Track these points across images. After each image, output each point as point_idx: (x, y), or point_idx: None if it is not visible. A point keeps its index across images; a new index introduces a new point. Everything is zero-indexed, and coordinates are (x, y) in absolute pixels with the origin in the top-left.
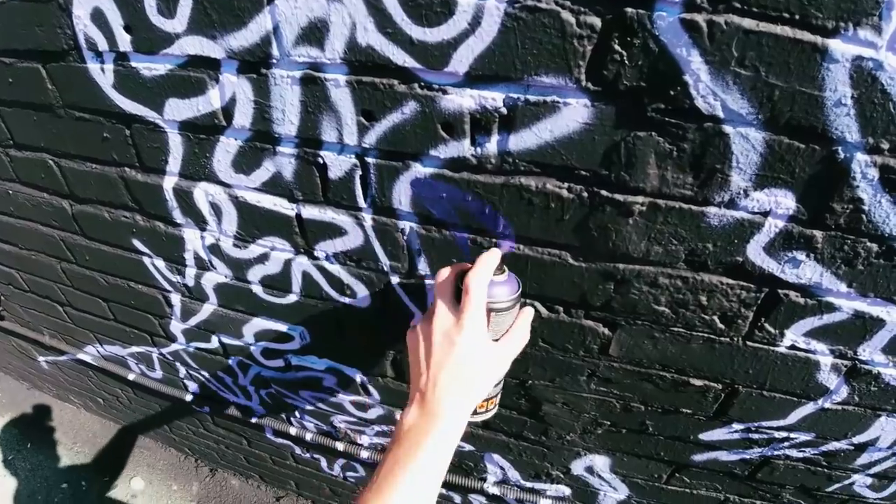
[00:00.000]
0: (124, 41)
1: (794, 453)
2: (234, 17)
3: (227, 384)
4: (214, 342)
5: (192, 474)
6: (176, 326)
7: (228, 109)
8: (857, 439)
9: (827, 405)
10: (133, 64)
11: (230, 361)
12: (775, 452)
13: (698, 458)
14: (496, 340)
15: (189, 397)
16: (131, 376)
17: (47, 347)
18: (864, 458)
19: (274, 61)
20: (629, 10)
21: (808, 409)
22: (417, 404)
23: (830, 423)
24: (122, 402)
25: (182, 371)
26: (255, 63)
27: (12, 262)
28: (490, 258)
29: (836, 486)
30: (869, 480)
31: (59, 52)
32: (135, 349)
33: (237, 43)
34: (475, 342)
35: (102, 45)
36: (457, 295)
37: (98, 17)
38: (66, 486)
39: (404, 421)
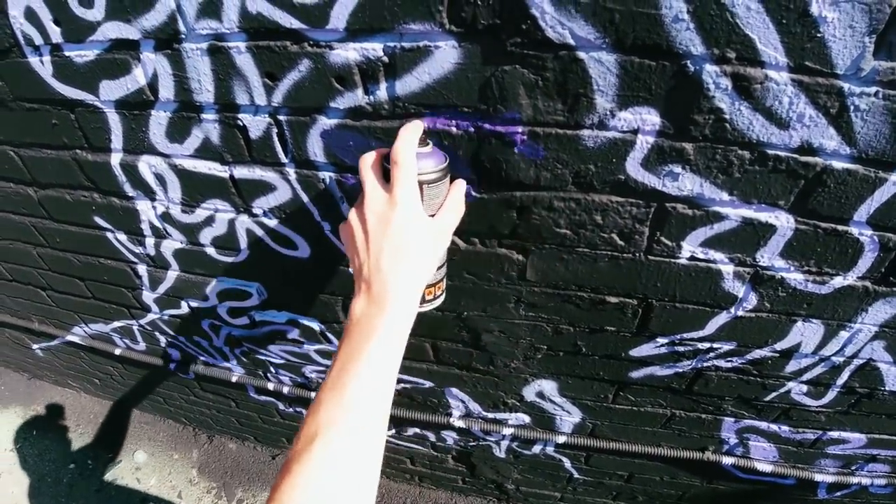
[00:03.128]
0: (55, 33)
1: (722, 363)
2: (143, 1)
3: (204, 348)
4: (185, 307)
5: (192, 442)
6: (148, 296)
7: (153, 85)
8: (780, 346)
9: (740, 313)
10: (66, 53)
11: (203, 325)
12: (704, 364)
13: (635, 374)
14: (432, 216)
15: (173, 365)
16: (118, 351)
17: (38, 334)
18: (792, 366)
19: (183, 36)
20: None
21: (723, 318)
22: (364, 294)
23: (748, 331)
24: (116, 379)
25: (162, 340)
26: (167, 40)
27: None
28: (412, 129)
29: (774, 394)
30: (805, 388)
31: (2, 50)
32: (116, 324)
33: (149, 23)
34: (411, 217)
35: (38, 39)
36: (384, 175)
37: (31, 15)
38: (73, 466)
39: (353, 312)
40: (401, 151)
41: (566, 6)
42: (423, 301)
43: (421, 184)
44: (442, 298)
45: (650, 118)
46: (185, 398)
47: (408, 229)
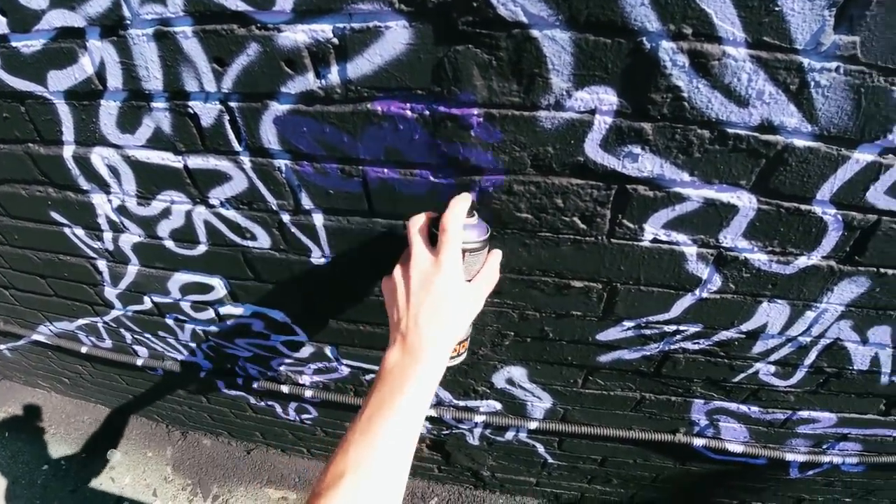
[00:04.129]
0: (1, 24)
1: (689, 346)
2: None
3: (170, 343)
4: (147, 303)
5: (165, 439)
6: (110, 292)
7: (101, 74)
8: (746, 327)
9: (705, 295)
10: (13, 44)
11: (167, 320)
12: (671, 346)
13: (603, 358)
14: (469, 281)
15: (140, 362)
16: (84, 349)
17: (4, 334)
18: (759, 347)
19: (128, 22)
20: None
21: (688, 300)
22: (399, 345)
23: (714, 313)
24: (86, 378)
25: (128, 337)
26: (112, 26)
27: None
28: (462, 201)
29: (742, 375)
30: (772, 368)
31: None
32: (81, 322)
33: (93, 10)
34: (453, 282)
35: None
36: (431, 239)
37: None
38: (46, 467)
39: (387, 362)
40: (450, 221)
41: None
42: (450, 357)
43: (465, 251)
44: (465, 355)
45: (607, 98)
46: (155, 395)
47: (448, 293)
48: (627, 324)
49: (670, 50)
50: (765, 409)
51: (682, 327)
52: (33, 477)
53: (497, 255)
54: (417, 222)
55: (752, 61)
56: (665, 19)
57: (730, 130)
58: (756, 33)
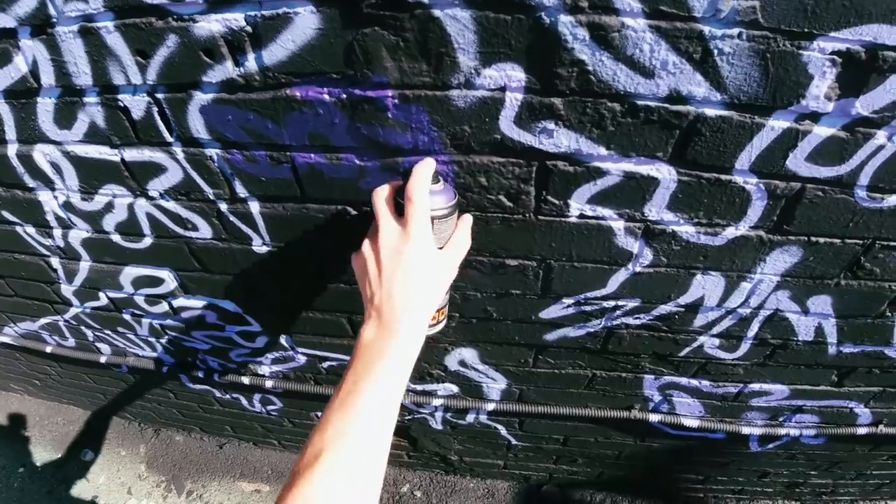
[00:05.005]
0: None
1: (630, 321)
2: None
3: (130, 339)
4: (103, 299)
5: (138, 437)
6: (66, 289)
7: (35, 72)
8: (683, 300)
9: (638, 269)
10: None
11: (125, 315)
12: (613, 322)
13: (550, 337)
14: (440, 248)
15: (103, 359)
16: (48, 349)
17: None
18: (700, 320)
19: (54, 20)
20: None
21: (623, 275)
22: (374, 320)
23: (650, 287)
24: (55, 379)
25: (89, 334)
26: (40, 25)
27: None
28: (425, 167)
29: (687, 349)
30: (717, 341)
31: None
32: (43, 321)
33: (22, 10)
34: (423, 251)
35: None
36: (398, 209)
37: None
38: (22, 469)
39: (362, 337)
40: (415, 189)
41: None
42: (428, 327)
43: (433, 219)
44: (444, 323)
45: (515, 74)
46: (123, 393)
47: (419, 262)
48: (567, 301)
49: (569, 24)
50: (715, 383)
51: (620, 302)
52: (10, 480)
53: (467, 220)
54: (382, 193)
55: (652, 31)
56: None
57: (639, 102)
58: (653, 3)
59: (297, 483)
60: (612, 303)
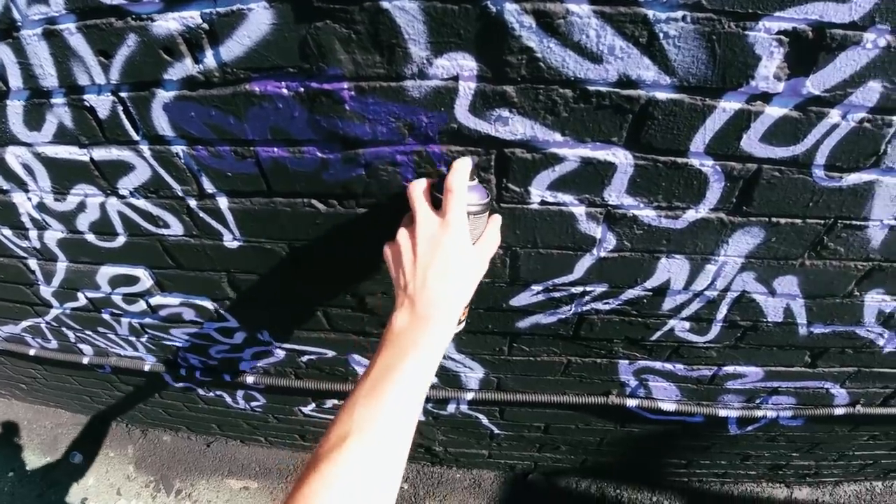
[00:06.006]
0: None
1: (600, 306)
2: None
3: (111, 339)
4: (82, 299)
5: (126, 438)
6: (45, 291)
7: (2, 75)
8: (650, 284)
9: (603, 254)
10: None
11: (104, 315)
12: (583, 308)
13: (522, 324)
14: (473, 244)
15: (86, 360)
16: (32, 351)
17: None
18: (668, 303)
19: (19, 24)
20: None
21: (588, 260)
22: (407, 308)
23: (616, 271)
24: (41, 382)
25: (71, 335)
26: (6, 29)
27: None
28: (465, 163)
29: (658, 333)
30: (687, 325)
31: None
32: (25, 323)
33: None
34: (461, 242)
35: None
36: (434, 203)
37: None
38: (12, 474)
39: (394, 324)
40: (455, 181)
41: None
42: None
43: (468, 214)
44: (465, 323)
45: (466, 63)
46: (109, 394)
47: (456, 252)
48: (536, 287)
49: (515, 11)
50: (690, 367)
51: (588, 288)
52: (0, 485)
53: (497, 219)
54: (419, 186)
55: (596, 17)
56: None
57: (591, 88)
58: None
59: (321, 465)
60: (580, 288)
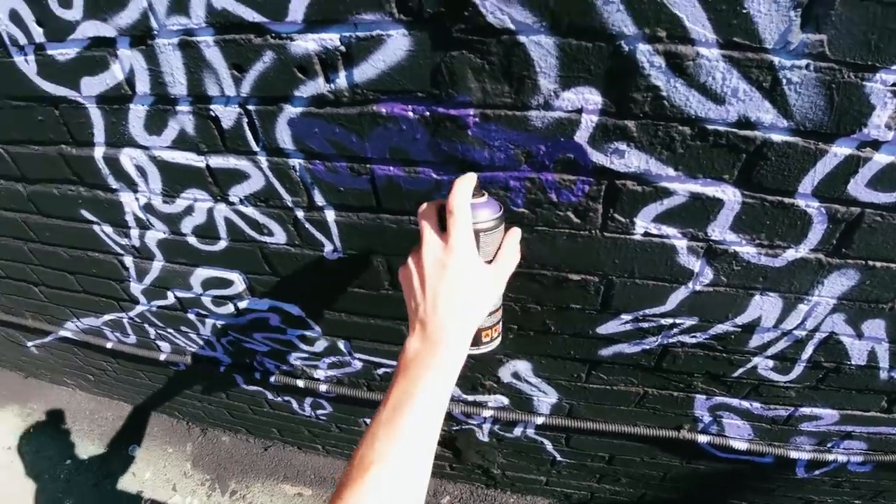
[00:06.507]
0: (38, 33)
1: (687, 339)
2: (116, 0)
3: (191, 338)
4: (171, 298)
5: (185, 436)
6: (135, 288)
7: (130, 80)
8: (740, 320)
9: (698, 288)
10: (49, 52)
11: (189, 315)
12: (670, 340)
13: (605, 352)
14: (488, 262)
15: (163, 357)
16: (109, 345)
17: (32, 330)
18: (756, 340)
19: (155, 32)
20: None
21: (682, 293)
22: (419, 333)
23: (708, 306)
24: (110, 375)
25: (151, 332)
26: (141, 36)
27: None
28: (466, 181)
29: (741, 370)
30: (771, 363)
31: None
32: (107, 317)
33: (123, 21)
34: (467, 263)
35: (22, 39)
36: (441, 224)
37: (14, 17)
38: (69, 462)
39: (407, 351)
40: (456, 201)
41: None
42: (482, 343)
43: (477, 232)
44: (499, 340)
45: (592, 97)
46: (176, 391)
47: (464, 274)
48: (625, 317)
49: (647, 52)
50: (767, 406)
51: (678, 320)
52: (56, 471)
53: (515, 233)
54: (426, 210)
55: (724, 61)
56: (640, 23)
57: (709, 127)
58: (727, 34)
59: (344, 496)
60: (669, 320)
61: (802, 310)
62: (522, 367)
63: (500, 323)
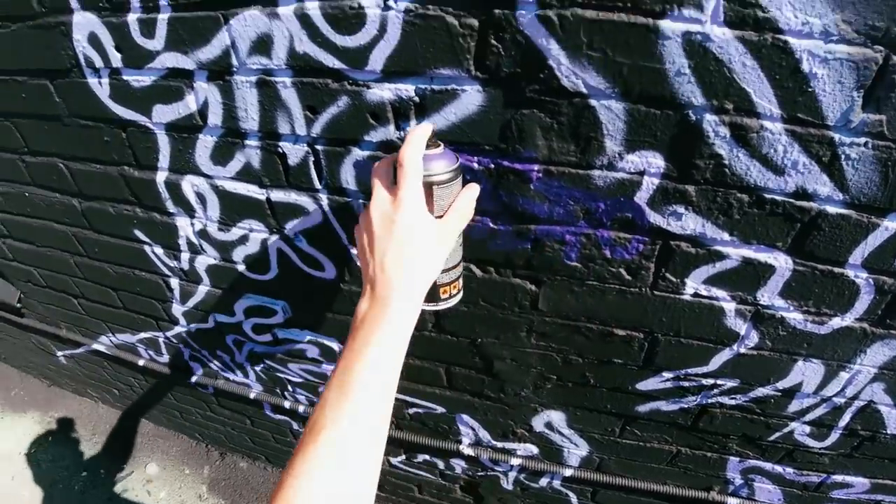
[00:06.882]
0: (116, 59)
1: (726, 401)
2: (200, 36)
3: (225, 363)
4: (211, 322)
5: (204, 458)
6: (177, 309)
7: (203, 111)
8: (781, 385)
9: (743, 350)
10: (125, 77)
11: (227, 340)
12: (709, 400)
13: (642, 408)
14: (440, 217)
15: (193, 378)
16: (141, 362)
17: (64, 341)
18: (795, 405)
19: (234, 69)
20: (496, 10)
21: (726, 354)
22: (368, 294)
23: (751, 369)
24: (136, 391)
25: (186, 353)
26: (220, 72)
27: (30, 260)
28: (420, 131)
29: (777, 434)
30: (808, 429)
31: (63, 70)
32: (143, 335)
33: (204, 56)
34: (415, 218)
35: (99, 62)
36: (394, 178)
37: (94, 41)
38: (85, 474)
39: (358, 311)
40: (406, 153)
41: (580, 59)
42: (440, 300)
43: (431, 185)
44: (459, 296)
45: (655, 161)
46: (201, 413)
47: (411, 230)
48: (667, 375)
49: (713, 122)
50: (799, 471)
51: (719, 381)
52: (71, 482)
53: (473, 188)
54: (380, 164)
55: (787, 135)
56: (709, 95)
57: (767, 196)
58: (791, 110)
59: (298, 463)
60: (711, 381)
61: (843, 377)
62: (557, 417)
63: (461, 279)
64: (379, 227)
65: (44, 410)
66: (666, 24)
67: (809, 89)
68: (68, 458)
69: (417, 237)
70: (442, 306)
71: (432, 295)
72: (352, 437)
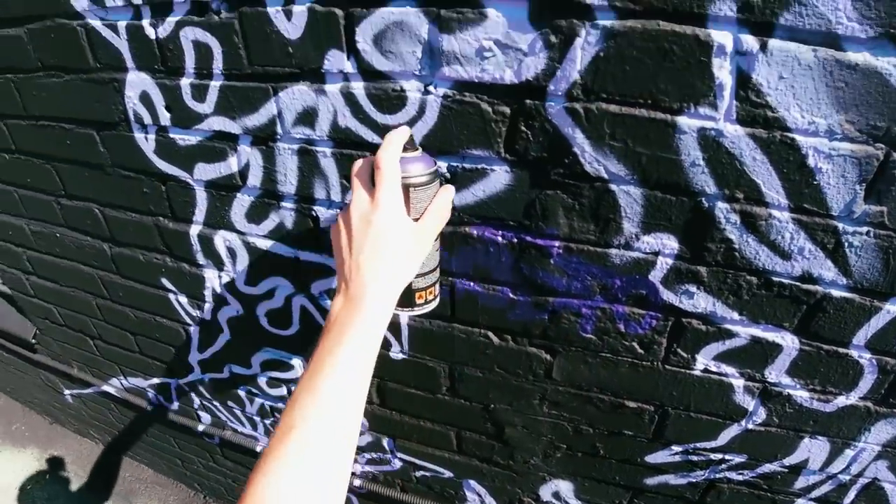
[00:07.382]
0: (165, 118)
1: (734, 476)
2: (249, 104)
3: (235, 414)
4: (226, 372)
5: None
6: (193, 357)
7: (243, 172)
8: (788, 461)
9: (751, 426)
10: (171, 135)
11: (240, 391)
12: (717, 475)
13: (650, 481)
14: (417, 219)
15: (201, 427)
16: (149, 407)
17: (74, 380)
18: (801, 482)
19: (278, 137)
20: (528, 101)
21: (735, 430)
22: (343, 292)
23: (758, 444)
24: (139, 435)
25: (196, 402)
26: (264, 138)
27: (52, 298)
28: (397, 134)
29: None
30: None
31: (112, 122)
32: (155, 380)
33: (251, 122)
34: (391, 219)
35: (147, 119)
36: (371, 180)
37: (145, 98)
38: None
39: (332, 310)
40: (383, 156)
41: (602, 148)
42: (415, 305)
43: (408, 187)
44: (434, 304)
45: (669, 243)
46: (203, 463)
47: (388, 231)
48: (676, 448)
49: (725, 209)
50: None
51: (727, 456)
52: None
53: (448, 190)
54: (357, 165)
55: (794, 223)
56: (721, 185)
57: (775, 279)
58: (798, 201)
59: (266, 463)
60: (719, 455)
61: (849, 455)
62: (565, 487)
63: (437, 285)
64: (356, 226)
65: (44, 447)
66: (683, 120)
67: (815, 182)
68: (63, 498)
69: (393, 238)
70: (417, 311)
71: (408, 300)
72: (321, 437)
